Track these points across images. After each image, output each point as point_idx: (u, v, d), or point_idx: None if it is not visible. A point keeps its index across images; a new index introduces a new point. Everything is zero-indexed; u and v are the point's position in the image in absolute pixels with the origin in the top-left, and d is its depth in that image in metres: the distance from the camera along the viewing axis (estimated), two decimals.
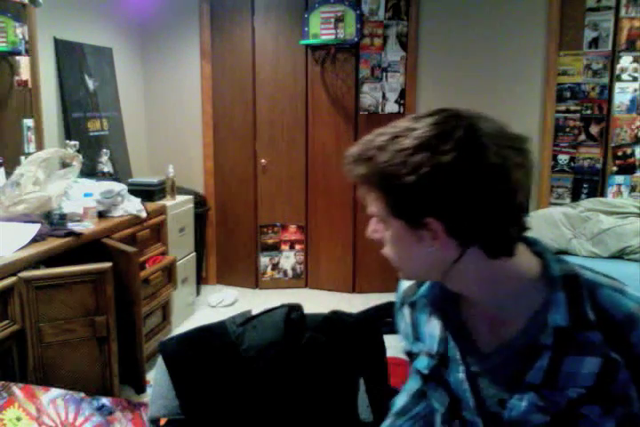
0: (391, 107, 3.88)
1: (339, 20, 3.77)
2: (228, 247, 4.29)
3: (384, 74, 3.85)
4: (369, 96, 3.88)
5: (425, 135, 0.79)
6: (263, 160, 4.10)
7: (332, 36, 3.79)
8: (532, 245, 0.88)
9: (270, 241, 4.22)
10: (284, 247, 4.23)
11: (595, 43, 3.51)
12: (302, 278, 4.25)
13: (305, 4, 3.87)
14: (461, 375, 0.91)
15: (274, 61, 4.00)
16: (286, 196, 4.16)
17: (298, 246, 4.22)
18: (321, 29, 3.80)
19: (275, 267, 4.25)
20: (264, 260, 4.24)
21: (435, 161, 0.76)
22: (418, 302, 0.99)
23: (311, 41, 3.82)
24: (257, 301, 3.97)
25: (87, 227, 2.52)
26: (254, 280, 4.25)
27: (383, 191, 0.81)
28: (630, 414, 0.80)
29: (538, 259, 0.87)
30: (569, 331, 0.82)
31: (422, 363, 0.97)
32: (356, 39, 3.77)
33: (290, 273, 4.25)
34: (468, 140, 0.79)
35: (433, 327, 0.95)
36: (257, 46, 4.00)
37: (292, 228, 4.20)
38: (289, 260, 4.23)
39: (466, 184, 0.77)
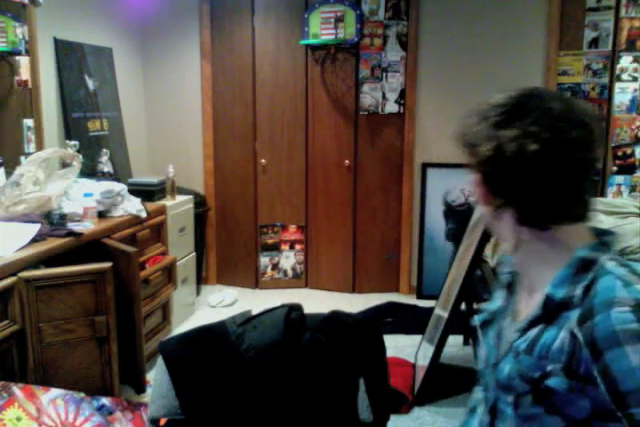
0: (391, 107, 3.88)
1: (339, 20, 3.77)
2: (228, 247, 4.29)
3: (384, 74, 3.85)
4: (369, 96, 3.88)
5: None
6: (263, 160, 4.10)
7: (332, 36, 3.79)
8: (602, 235, 0.92)
9: (270, 241, 4.22)
10: (284, 247, 4.23)
11: (595, 43, 3.51)
12: (302, 278, 4.26)
13: (305, 4, 3.87)
14: (492, 334, 1.02)
15: (274, 61, 4.00)
16: (286, 196, 4.16)
17: (298, 246, 4.22)
18: (321, 29, 3.80)
19: (275, 267, 4.25)
20: (264, 260, 4.24)
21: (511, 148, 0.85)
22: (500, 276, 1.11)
23: (311, 41, 3.82)
24: (257, 301, 3.97)
25: (87, 227, 2.52)
26: (254, 280, 4.26)
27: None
28: (602, 397, 0.80)
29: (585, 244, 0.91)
30: (556, 304, 0.87)
31: (479, 317, 1.08)
32: (355, 39, 3.77)
33: (290, 273, 4.25)
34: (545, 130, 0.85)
35: (498, 296, 1.07)
36: (257, 46, 4.00)
37: (292, 228, 4.20)
38: (289, 260, 4.24)
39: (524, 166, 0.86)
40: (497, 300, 1.07)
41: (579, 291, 0.85)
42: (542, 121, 0.85)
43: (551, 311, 0.87)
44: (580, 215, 0.90)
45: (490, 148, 0.86)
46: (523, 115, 0.86)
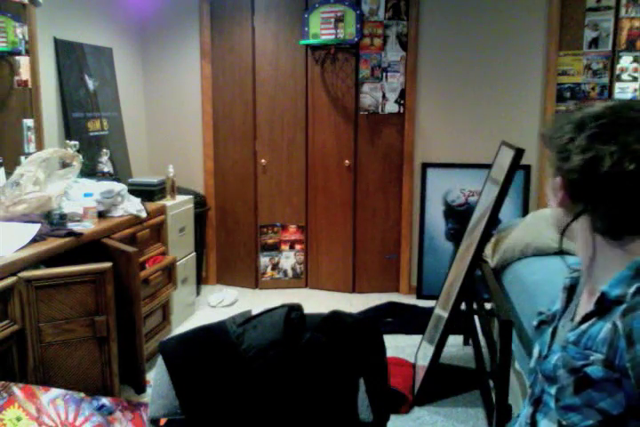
0: (391, 107, 3.88)
1: (339, 20, 3.77)
2: (228, 247, 4.29)
3: (384, 74, 3.85)
4: (369, 96, 3.88)
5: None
6: (263, 160, 4.10)
7: (332, 36, 3.79)
8: None
9: (270, 241, 4.22)
10: (284, 247, 4.23)
11: (595, 43, 3.51)
12: (302, 278, 4.26)
13: (305, 4, 3.87)
14: (549, 330, 1.05)
15: (274, 61, 4.00)
16: (286, 196, 4.16)
17: (298, 246, 4.22)
18: (321, 29, 3.80)
19: (275, 267, 4.25)
20: (264, 260, 4.24)
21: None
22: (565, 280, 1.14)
23: (311, 41, 3.82)
24: (257, 301, 3.97)
25: (87, 227, 2.52)
26: (254, 280, 4.26)
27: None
28: (636, 392, 0.81)
29: None
30: (610, 301, 0.89)
31: (537, 318, 1.12)
32: (355, 39, 3.77)
33: (290, 273, 4.25)
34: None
35: (559, 298, 1.10)
36: (257, 46, 4.00)
37: (292, 228, 4.20)
38: (289, 260, 4.24)
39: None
40: (557, 302, 1.10)
41: (632, 289, 0.87)
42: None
43: (604, 308, 0.90)
44: None
45: (585, 158, 0.88)
46: (623, 130, 0.87)
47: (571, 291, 1.08)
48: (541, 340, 1.08)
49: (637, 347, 0.80)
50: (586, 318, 0.93)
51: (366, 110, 3.90)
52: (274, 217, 4.19)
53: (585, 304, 0.99)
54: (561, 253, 1.25)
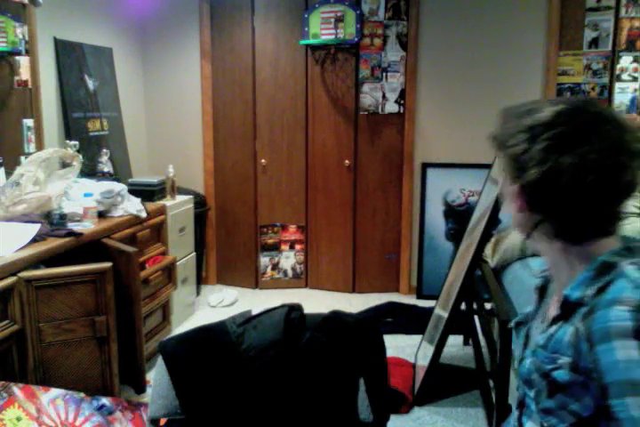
0: (391, 107, 3.88)
1: (339, 20, 3.77)
2: (228, 247, 4.28)
3: (384, 74, 3.85)
4: (369, 96, 3.88)
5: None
6: (263, 160, 4.10)
7: (332, 36, 3.79)
8: (630, 242, 0.96)
9: (270, 241, 4.22)
10: (284, 247, 4.23)
11: (595, 43, 3.51)
12: (302, 278, 4.25)
13: (305, 4, 3.87)
14: (522, 335, 1.07)
15: (274, 61, 4.00)
16: (286, 196, 4.16)
17: (298, 246, 4.22)
18: (321, 29, 3.80)
19: (275, 267, 4.25)
20: (264, 260, 4.24)
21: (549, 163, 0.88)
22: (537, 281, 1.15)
23: (311, 41, 3.82)
24: (257, 301, 3.97)
25: (87, 227, 2.52)
26: (254, 280, 4.26)
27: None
28: (599, 393, 0.82)
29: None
30: (572, 303, 0.90)
31: (514, 319, 1.14)
32: (355, 39, 3.77)
33: (290, 273, 4.25)
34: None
35: (532, 299, 1.11)
36: (257, 46, 4.00)
37: (292, 228, 4.20)
38: (289, 260, 4.24)
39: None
40: (531, 303, 1.11)
41: (592, 291, 0.88)
42: (600, 148, 0.85)
43: (568, 311, 0.91)
44: (613, 231, 0.94)
45: (542, 171, 0.87)
46: (578, 140, 0.86)
47: (542, 291, 1.08)
48: (518, 342, 1.09)
49: (597, 349, 0.80)
50: (553, 322, 0.94)
51: (366, 110, 3.90)
52: (274, 217, 4.19)
53: (553, 307, 1.00)
54: None
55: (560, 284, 0.99)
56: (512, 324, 1.14)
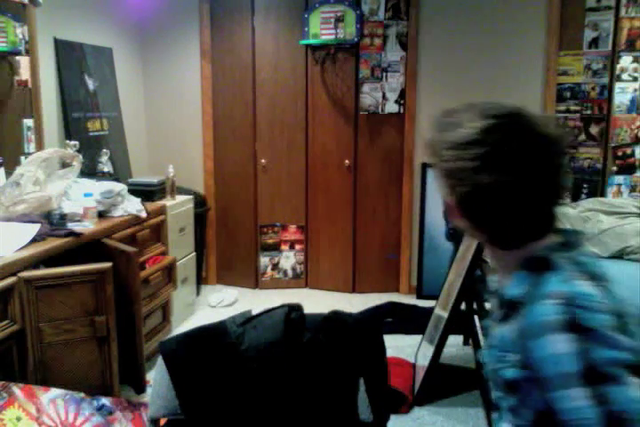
0: (391, 107, 3.88)
1: (339, 20, 3.76)
2: (228, 247, 4.28)
3: (384, 74, 3.85)
4: (369, 96, 3.88)
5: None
6: (263, 160, 4.10)
7: (332, 36, 3.78)
8: (565, 235, 0.97)
9: (270, 241, 4.22)
10: (284, 247, 4.23)
11: (595, 43, 3.51)
12: (302, 278, 4.25)
13: (305, 4, 3.86)
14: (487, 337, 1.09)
15: (274, 61, 4.00)
16: (286, 196, 4.15)
17: (298, 246, 4.22)
18: (321, 29, 3.80)
19: (275, 267, 4.25)
20: (264, 260, 4.24)
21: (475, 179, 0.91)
22: None
23: (311, 41, 3.82)
24: (257, 301, 3.97)
25: (87, 227, 2.52)
26: (254, 280, 4.25)
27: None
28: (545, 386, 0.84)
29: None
30: (508, 303, 0.94)
31: (484, 323, 1.18)
32: (355, 39, 3.77)
33: (290, 273, 4.25)
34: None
35: (491, 304, 1.14)
36: (257, 46, 4.00)
37: (292, 228, 4.20)
38: (289, 260, 4.23)
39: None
40: (490, 305, 1.14)
41: (526, 289, 0.91)
42: (517, 167, 0.88)
43: (508, 310, 0.94)
44: (546, 233, 0.95)
45: (466, 189, 0.91)
46: (497, 160, 0.89)
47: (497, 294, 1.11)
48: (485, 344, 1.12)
49: (531, 344, 0.83)
50: (501, 322, 0.97)
51: (366, 110, 3.90)
52: (274, 217, 4.19)
53: (498, 306, 1.03)
54: None
55: (505, 284, 1.02)
56: (481, 330, 1.18)
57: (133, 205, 2.86)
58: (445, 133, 0.95)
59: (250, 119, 4.08)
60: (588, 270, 0.90)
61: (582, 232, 1.00)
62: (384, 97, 3.87)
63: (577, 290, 0.84)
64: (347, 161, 3.99)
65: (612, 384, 0.76)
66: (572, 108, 3.59)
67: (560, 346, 0.80)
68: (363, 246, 4.12)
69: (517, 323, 0.88)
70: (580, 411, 0.77)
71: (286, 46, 3.95)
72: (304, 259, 4.23)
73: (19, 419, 1.82)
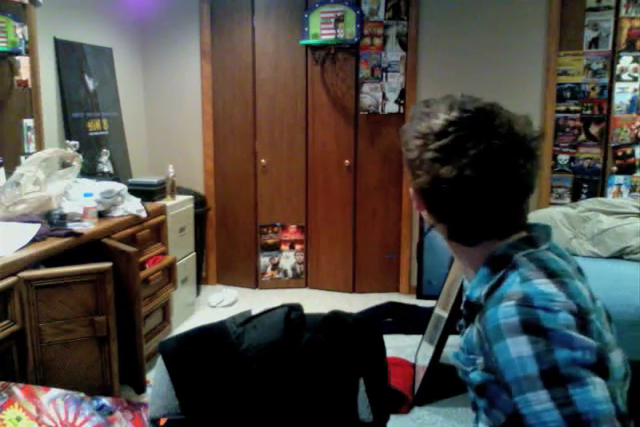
0: (391, 107, 3.88)
1: (339, 20, 3.76)
2: (228, 247, 4.28)
3: (384, 74, 3.84)
4: (369, 96, 3.88)
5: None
6: (263, 160, 4.10)
7: (332, 36, 3.78)
8: (531, 231, 0.96)
9: (270, 241, 4.22)
10: (284, 247, 4.23)
11: (595, 43, 3.51)
12: (302, 278, 4.25)
13: (305, 4, 3.86)
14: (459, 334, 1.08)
15: (274, 61, 4.00)
16: (286, 196, 4.15)
17: (298, 246, 4.22)
18: (321, 29, 3.80)
19: (275, 267, 4.25)
20: (264, 260, 4.24)
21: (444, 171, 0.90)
22: None
23: (311, 41, 3.82)
24: (257, 301, 3.97)
25: (87, 227, 2.52)
26: (254, 280, 4.25)
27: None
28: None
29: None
30: (471, 304, 0.93)
31: (458, 323, 1.13)
32: (355, 39, 3.76)
33: (290, 273, 4.25)
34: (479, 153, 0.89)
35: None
36: (257, 46, 4.00)
37: (292, 228, 4.20)
38: (289, 260, 4.23)
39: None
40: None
41: (485, 290, 0.90)
42: (478, 162, 0.86)
43: (471, 311, 0.93)
44: (510, 231, 0.94)
45: (427, 181, 0.90)
46: (460, 153, 0.87)
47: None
48: None
49: (494, 348, 0.81)
50: (467, 323, 0.96)
51: (366, 110, 3.90)
52: (274, 217, 4.19)
53: (462, 307, 1.03)
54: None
55: (469, 279, 1.01)
56: (457, 328, 1.15)
57: (133, 205, 2.86)
58: (416, 123, 0.93)
59: (250, 119, 4.08)
60: (547, 267, 0.88)
61: (549, 227, 0.98)
62: (384, 97, 3.87)
63: (535, 290, 0.83)
64: (347, 161, 3.99)
65: (574, 386, 0.74)
66: (572, 108, 3.59)
67: (519, 349, 0.78)
68: (363, 246, 4.12)
69: (479, 326, 0.87)
70: (544, 414, 0.75)
71: (286, 46, 3.95)
72: (304, 259, 4.23)
73: (19, 419, 1.82)
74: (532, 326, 0.78)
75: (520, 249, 0.91)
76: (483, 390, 0.89)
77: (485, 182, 0.87)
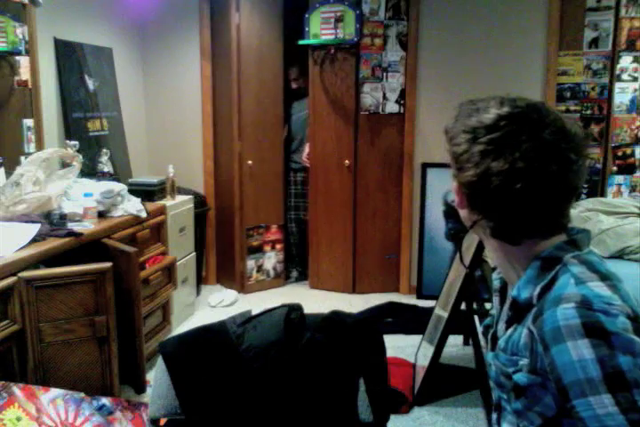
0: (391, 107, 3.87)
1: (338, 20, 3.75)
2: (229, 247, 4.28)
3: (384, 74, 3.84)
4: (369, 96, 3.87)
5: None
6: (250, 162, 4.07)
7: (332, 37, 3.78)
8: (574, 234, 0.95)
9: (255, 243, 4.21)
10: (267, 248, 4.22)
11: (595, 43, 3.51)
12: (282, 278, 4.24)
13: (306, 5, 3.85)
14: (489, 336, 1.07)
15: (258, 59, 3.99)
16: (271, 195, 4.15)
17: (278, 246, 4.22)
18: (321, 29, 3.79)
19: (259, 269, 4.24)
20: (250, 262, 4.23)
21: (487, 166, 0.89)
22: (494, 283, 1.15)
23: (311, 41, 3.81)
24: (257, 301, 3.97)
25: (87, 227, 2.52)
26: (240, 283, 4.25)
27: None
28: (557, 393, 0.82)
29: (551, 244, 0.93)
30: (520, 305, 0.91)
31: (483, 322, 1.14)
32: (355, 39, 3.76)
33: (272, 273, 4.23)
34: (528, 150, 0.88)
35: (494, 301, 1.11)
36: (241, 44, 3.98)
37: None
38: (270, 260, 4.22)
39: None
40: (494, 303, 1.10)
41: (537, 291, 0.88)
42: (530, 155, 0.86)
43: (518, 312, 0.92)
44: (554, 232, 0.93)
45: (475, 174, 0.89)
46: (512, 146, 0.86)
47: (503, 292, 1.08)
48: (487, 345, 1.09)
49: (552, 351, 0.80)
50: (509, 324, 0.94)
51: (367, 110, 3.89)
52: (260, 218, 4.18)
53: (508, 308, 1.01)
54: None
55: (510, 284, 0.99)
56: (481, 328, 1.14)
57: (133, 205, 2.86)
58: (465, 119, 0.93)
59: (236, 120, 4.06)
60: (598, 270, 0.87)
61: (588, 231, 0.97)
62: (384, 97, 3.87)
63: (592, 292, 0.82)
64: (347, 161, 3.98)
65: (638, 391, 0.74)
66: (572, 108, 3.59)
67: (581, 352, 0.77)
68: (363, 246, 4.11)
69: (532, 328, 0.86)
70: (606, 418, 0.74)
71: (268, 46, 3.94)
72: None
73: (19, 419, 1.82)
74: (593, 329, 0.78)
75: (567, 251, 0.90)
76: (523, 392, 0.88)
77: (537, 176, 0.86)
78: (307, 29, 3.80)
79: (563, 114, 0.93)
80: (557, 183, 0.87)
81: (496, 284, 1.09)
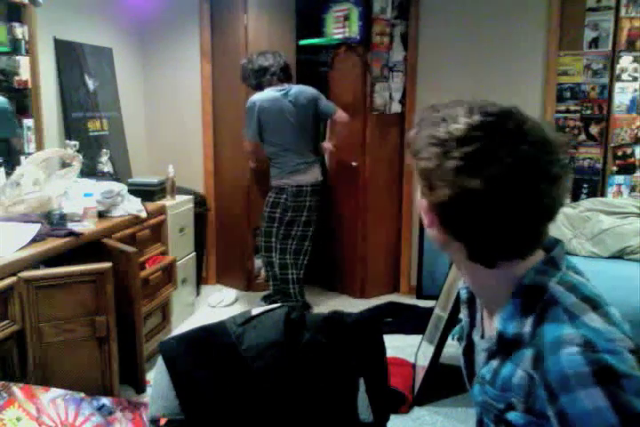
0: (396, 107, 3.85)
1: (345, 18, 3.72)
2: (229, 247, 4.27)
3: (390, 73, 3.81)
4: (379, 96, 3.82)
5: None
6: None
7: (340, 35, 3.74)
8: (550, 249, 0.89)
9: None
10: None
11: (595, 43, 3.51)
12: None
13: (323, 5, 3.83)
14: (460, 351, 1.05)
15: None
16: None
17: None
18: (333, 29, 3.76)
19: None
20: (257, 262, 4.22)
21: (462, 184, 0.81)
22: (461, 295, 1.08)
23: (312, 41, 3.80)
24: (256, 301, 3.96)
25: (87, 227, 2.52)
26: (247, 282, 4.25)
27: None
28: None
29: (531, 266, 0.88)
30: (508, 341, 0.86)
31: (454, 331, 1.12)
32: (358, 37, 3.68)
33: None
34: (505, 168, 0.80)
35: (462, 312, 1.07)
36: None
37: None
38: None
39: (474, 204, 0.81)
40: (463, 315, 1.06)
41: (528, 328, 0.84)
42: (510, 173, 0.78)
43: (505, 347, 0.87)
44: (532, 251, 0.87)
45: (449, 194, 0.80)
46: (489, 162, 0.78)
47: (471, 303, 1.03)
48: (462, 353, 1.06)
49: (562, 400, 0.76)
50: (493, 355, 0.90)
51: (377, 110, 3.83)
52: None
53: (488, 321, 0.96)
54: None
55: (485, 302, 0.95)
56: (453, 338, 1.10)
57: (133, 205, 2.86)
58: (430, 129, 0.83)
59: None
60: (587, 297, 0.83)
61: (562, 242, 0.91)
62: (390, 97, 3.83)
63: (592, 331, 0.78)
64: (354, 163, 3.93)
65: None
66: (572, 108, 3.59)
67: (595, 400, 0.73)
68: (365, 246, 4.10)
69: (532, 373, 0.81)
70: None
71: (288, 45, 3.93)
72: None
73: (19, 419, 1.82)
74: (604, 376, 0.74)
75: (548, 275, 0.85)
76: None
77: (518, 196, 0.79)
78: (324, 30, 3.77)
79: (537, 118, 0.84)
80: (540, 202, 0.80)
81: (463, 295, 1.04)
